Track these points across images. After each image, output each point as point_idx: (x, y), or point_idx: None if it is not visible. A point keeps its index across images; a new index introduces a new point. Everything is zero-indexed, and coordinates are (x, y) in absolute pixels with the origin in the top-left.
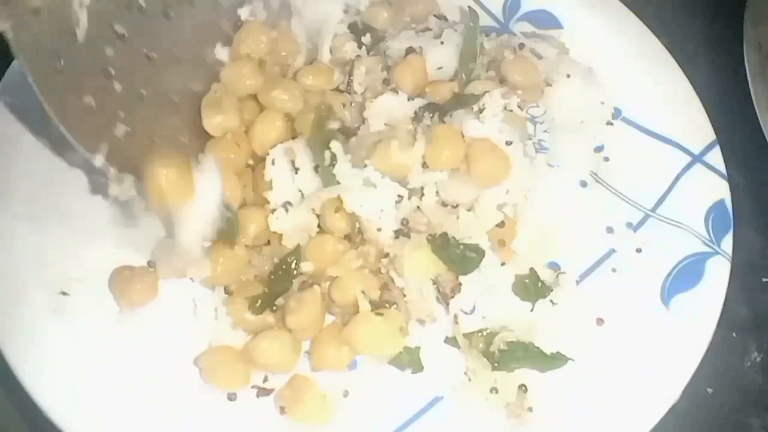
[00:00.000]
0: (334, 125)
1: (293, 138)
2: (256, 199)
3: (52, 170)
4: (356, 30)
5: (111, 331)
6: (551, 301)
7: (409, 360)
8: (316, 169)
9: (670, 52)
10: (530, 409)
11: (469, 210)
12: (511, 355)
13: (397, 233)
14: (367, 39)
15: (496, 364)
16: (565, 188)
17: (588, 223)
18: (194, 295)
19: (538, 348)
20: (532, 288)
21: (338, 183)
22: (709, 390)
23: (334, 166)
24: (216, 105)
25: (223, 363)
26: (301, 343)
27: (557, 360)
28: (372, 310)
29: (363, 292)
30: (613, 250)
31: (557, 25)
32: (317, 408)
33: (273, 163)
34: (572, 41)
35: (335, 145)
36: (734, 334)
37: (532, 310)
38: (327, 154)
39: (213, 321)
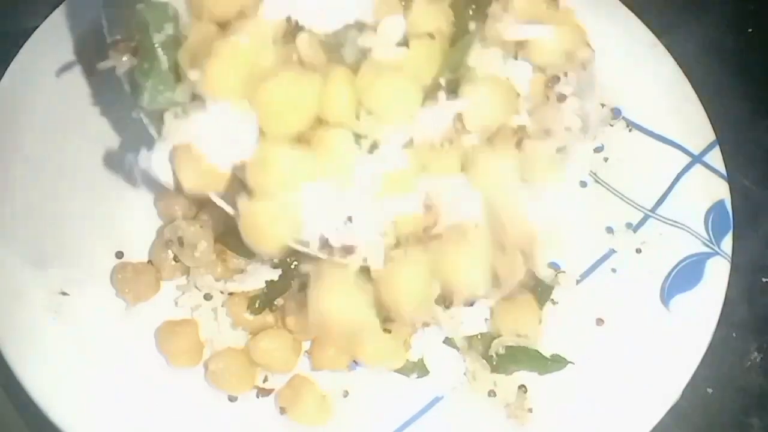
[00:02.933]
0: None
1: None
2: None
3: (53, 170)
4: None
5: (111, 331)
6: (551, 301)
7: (413, 366)
8: None
9: (670, 52)
10: (530, 410)
11: None
12: (510, 358)
13: None
14: None
15: (494, 366)
16: (565, 188)
17: (588, 223)
18: (194, 296)
19: (536, 351)
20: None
21: None
22: (709, 390)
23: None
24: None
25: (229, 367)
26: (301, 343)
27: (556, 363)
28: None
29: None
30: (613, 250)
31: None
32: (317, 408)
33: None
34: None
35: None
36: (734, 334)
37: None
38: None
39: (212, 321)
